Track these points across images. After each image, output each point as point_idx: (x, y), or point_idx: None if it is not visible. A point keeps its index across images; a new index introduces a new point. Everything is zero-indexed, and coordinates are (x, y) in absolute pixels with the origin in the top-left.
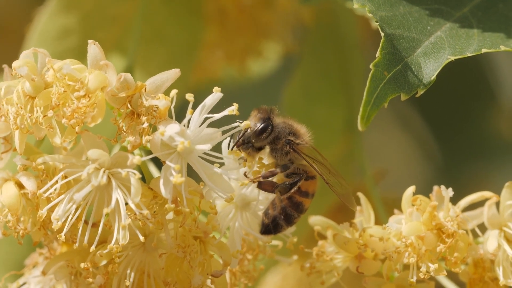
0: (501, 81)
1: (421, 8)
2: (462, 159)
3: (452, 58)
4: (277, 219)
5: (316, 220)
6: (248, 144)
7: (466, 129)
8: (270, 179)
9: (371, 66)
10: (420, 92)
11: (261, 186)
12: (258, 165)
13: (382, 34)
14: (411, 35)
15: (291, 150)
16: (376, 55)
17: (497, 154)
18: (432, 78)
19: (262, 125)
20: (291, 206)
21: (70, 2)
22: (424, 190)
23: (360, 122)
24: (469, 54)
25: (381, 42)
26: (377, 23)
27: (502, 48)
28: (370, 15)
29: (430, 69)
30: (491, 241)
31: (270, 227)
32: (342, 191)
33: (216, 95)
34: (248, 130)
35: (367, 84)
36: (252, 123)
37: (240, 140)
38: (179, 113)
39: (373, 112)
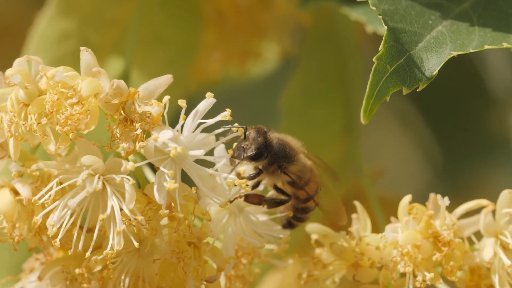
0: (497, 80)
1: (422, 2)
2: (461, 158)
3: (455, 53)
4: (291, 221)
5: (313, 228)
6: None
7: (465, 128)
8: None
9: (374, 59)
10: (422, 86)
11: (247, 199)
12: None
13: (385, 27)
14: (413, 29)
15: (283, 173)
16: (379, 49)
17: (496, 153)
18: (434, 73)
19: (258, 151)
20: (299, 212)
21: (68, 6)
22: (423, 189)
23: (363, 115)
24: (471, 50)
25: (384, 36)
26: (380, 17)
27: (505, 45)
28: (373, 8)
29: (432, 64)
30: (487, 250)
31: (287, 226)
32: (331, 207)
33: (209, 100)
34: (243, 152)
35: (370, 77)
36: (248, 144)
37: (235, 161)
38: (178, 116)
39: (375, 105)
